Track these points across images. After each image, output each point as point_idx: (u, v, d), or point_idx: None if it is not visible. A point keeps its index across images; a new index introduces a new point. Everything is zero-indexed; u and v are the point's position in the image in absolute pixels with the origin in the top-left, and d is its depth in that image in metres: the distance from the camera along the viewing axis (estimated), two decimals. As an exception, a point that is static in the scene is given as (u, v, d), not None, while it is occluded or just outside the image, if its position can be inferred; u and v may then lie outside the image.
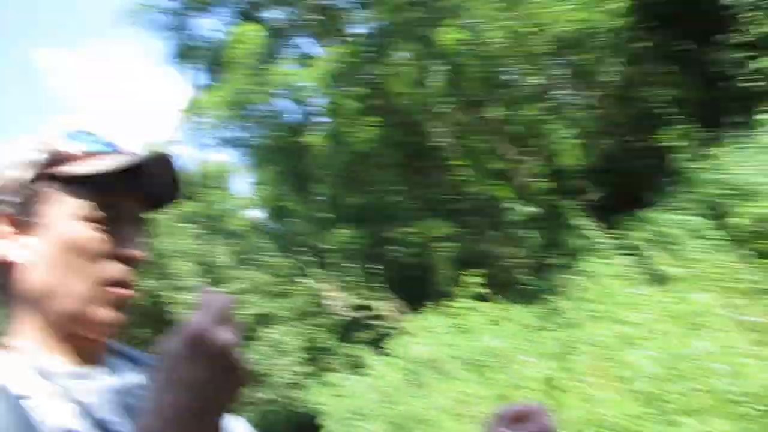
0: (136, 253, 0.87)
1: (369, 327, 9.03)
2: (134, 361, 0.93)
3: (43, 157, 0.86)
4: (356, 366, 8.18)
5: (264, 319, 10.26)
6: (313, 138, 11.49)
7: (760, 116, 7.48)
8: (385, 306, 7.78)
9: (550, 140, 12.42)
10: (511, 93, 11.60)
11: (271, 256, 9.34)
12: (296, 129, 11.97)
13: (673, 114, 9.75)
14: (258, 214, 16.58)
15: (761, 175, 6.28)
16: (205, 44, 12.26)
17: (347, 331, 9.84)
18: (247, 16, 10.62)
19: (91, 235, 0.84)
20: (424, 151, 12.18)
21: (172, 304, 11.02)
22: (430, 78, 8.91)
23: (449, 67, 8.69)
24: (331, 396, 7.46)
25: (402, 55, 10.41)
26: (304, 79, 8.69)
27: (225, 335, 0.62)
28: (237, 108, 9.12)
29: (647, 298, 4.13)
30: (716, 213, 6.46)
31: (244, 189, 17.75)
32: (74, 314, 0.83)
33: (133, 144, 0.95)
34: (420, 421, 5.20)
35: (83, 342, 0.85)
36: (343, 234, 14.08)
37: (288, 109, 11.65)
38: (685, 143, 7.95)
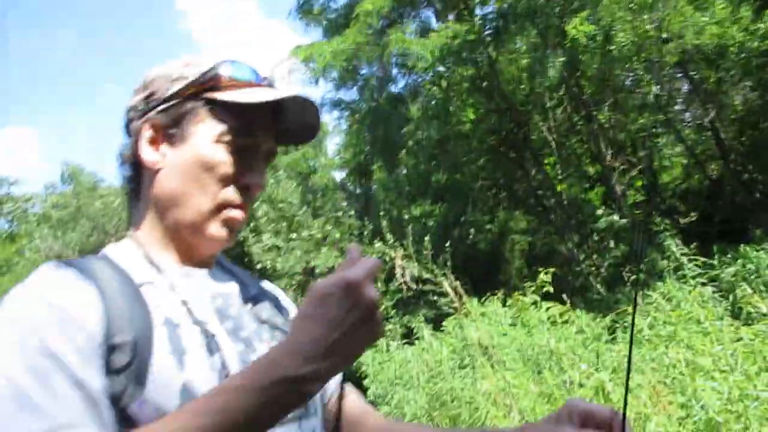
0: (258, 183, 0.94)
1: (431, 303, 9.06)
2: (233, 275, 1.00)
3: (197, 77, 0.92)
4: (410, 337, 8.27)
5: (330, 273, 10.47)
6: (414, 109, 11.48)
7: None
8: (450, 285, 7.78)
9: (656, 154, 11.89)
10: (626, 99, 11.13)
11: (348, 215, 9.52)
12: (399, 98, 12.01)
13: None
14: (342, 174, 16.90)
15: None
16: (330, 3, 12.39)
17: (409, 302, 9.93)
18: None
19: (223, 158, 0.90)
20: (521, 142, 11.97)
21: (246, 243, 11.43)
22: (546, 69, 8.66)
23: (568, 60, 8.40)
24: (379, 361, 7.60)
25: (520, 42, 10.17)
26: (419, 48, 8.65)
27: (373, 291, 0.68)
28: (349, 64, 9.22)
29: (726, 332, 3.93)
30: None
31: (335, 149, 18.08)
32: (190, 225, 0.91)
33: (280, 81, 1.00)
34: (462, 401, 5.22)
35: (193, 249, 0.93)
36: (422, 208, 14.16)
37: (396, 76, 11.69)
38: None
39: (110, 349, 0.74)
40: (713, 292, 5.22)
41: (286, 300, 1.10)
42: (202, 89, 0.91)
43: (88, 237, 10.00)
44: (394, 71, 11.02)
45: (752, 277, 5.83)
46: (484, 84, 11.28)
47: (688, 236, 7.85)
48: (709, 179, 11.39)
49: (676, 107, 11.77)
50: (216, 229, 0.91)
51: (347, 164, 16.05)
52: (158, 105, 0.91)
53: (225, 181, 0.91)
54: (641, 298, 5.95)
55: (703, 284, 5.59)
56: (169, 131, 0.91)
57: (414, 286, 8.84)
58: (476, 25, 9.93)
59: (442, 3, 12.39)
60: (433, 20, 12.55)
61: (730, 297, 5.38)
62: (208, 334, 0.83)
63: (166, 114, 0.91)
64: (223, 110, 0.90)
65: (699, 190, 11.99)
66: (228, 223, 0.92)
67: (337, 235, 9.24)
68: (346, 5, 12.24)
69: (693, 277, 5.95)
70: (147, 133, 0.92)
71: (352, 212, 9.53)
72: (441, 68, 9.78)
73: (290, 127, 0.99)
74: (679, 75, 10.75)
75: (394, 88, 12.24)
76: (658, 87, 10.04)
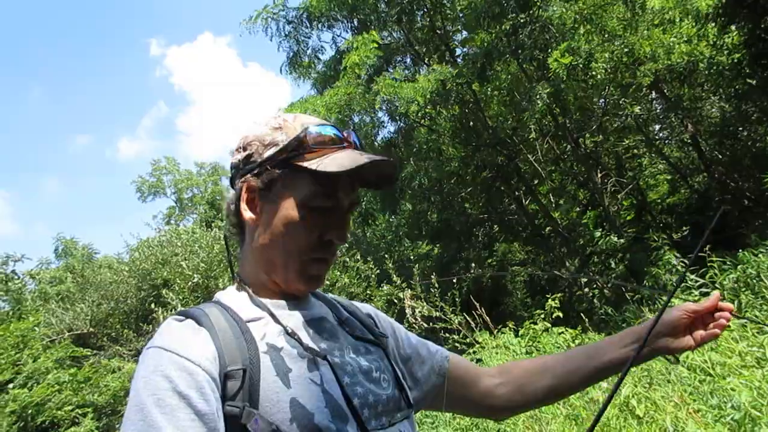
0: (340, 236, 1.05)
1: (443, 341, 9.14)
2: (326, 301, 1.16)
3: (286, 143, 1.03)
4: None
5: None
6: (407, 152, 11.75)
7: None
8: (460, 321, 7.91)
9: (642, 173, 12.23)
10: (608, 123, 11.52)
11: (354, 260, 9.65)
12: (391, 142, 12.28)
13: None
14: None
15: None
16: (317, 56, 12.78)
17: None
18: (362, 32, 11.09)
19: (307, 219, 1.02)
20: (513, 175, 12.27)
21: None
22: (529, 101, 9.00)
23: (551, 90, 8.74)
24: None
25: (502, 77, 10.53)
26: (407, 93, 8.97)
27: None
28: (342, 115, 9.51)
29: (743, 331, 4.10)
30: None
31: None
32: (282, 279, 1.05)
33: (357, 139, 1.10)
34: (493, 430, 5.29)
35: (287, 291, 1.08)
36: (424, 248, 14.31)
37: (386, 122, 11.99)
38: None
39: (226, 376, 0.88)
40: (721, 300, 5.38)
41: (380, 316, 1.24)
42: (291, 155, 1.03)
43: (98, 306, 10.07)
44: (385, 117, 11.35)
45: (754, 281, 6.00)
46: (470, 123, 11.62)
47: (683, 249, 8.05)
48: (696, 192, 11.69)
49: (659, 126, 12.17)
50: (298, 281, 1.05)
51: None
52: (254, 169, 1.05)
53: (309, 239, 1.02)
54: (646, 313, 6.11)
55: (706, 294, 5.75)
56: (263, 192, 1.05)
57: (425, 325, 8.93)
58: (461, 65, 10.30)
59: (423, 47, 12.85)
60: (420, 65, 12.98)
61: (735, 302, 5.54)
62: (308, 353, 0.97)
63: (261, 177, 1.04)
64: (309, 176, 1.01)
65: (687, 203, 12.29)
66: (310, 277, 1.05)
67: (346, 280, 9.34)
68: (333, 58, 12.66)
69: (697, 288, 6.14)
70: (245, 194, 1.05)
71: (358, 256, 9.65)
72: (428, 109, 10.10)
73: (369, 179, 1.11)
74: (658, 95, 11.18)
75: (386, 133, 12.56)
76: (640, 109, 10.41)
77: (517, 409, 1.25)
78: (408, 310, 8.81)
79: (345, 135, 1.07)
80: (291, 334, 0.99)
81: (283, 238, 1.03)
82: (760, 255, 6.78)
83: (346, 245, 13.76)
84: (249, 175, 1.05)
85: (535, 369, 1.22)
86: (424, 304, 8.65)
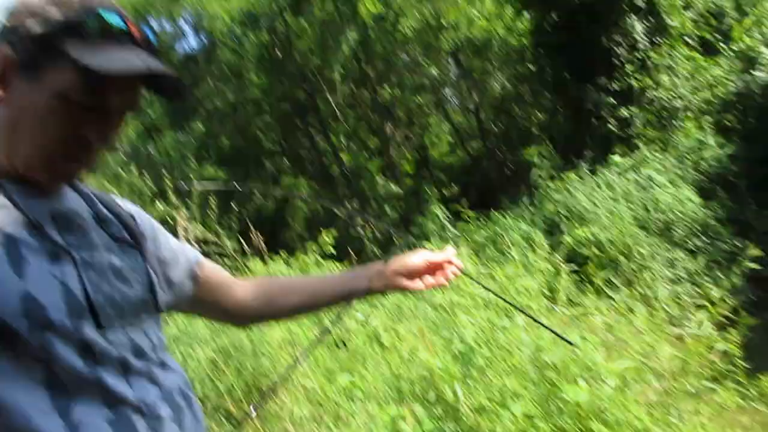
0: (98, 139, 0.93)
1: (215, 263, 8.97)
2: (82, 194, 1.04)
3: (59, 21, 0.89)
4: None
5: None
6: (207, 70, 11.14)
7: (612, 157, 8.59)
8: (234, 246, 7.82)
9: (428, 131, 13.09)
10: (406, 79, 12.03)
11: (130, 173, 8.98)
12: (191, 58, 11.50)
13: (541, 135, 10.70)
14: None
15: (592, 206, 7.31)
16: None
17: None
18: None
19: (61, 114, 0.89)
20: (309, 112, 12.29)
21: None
22: (337, 43, 9.02)
23: (359, 39, 8.86)
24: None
25: (317, 13, 10.39)
26: (214, 8, 8.37)
27: None
28: (140, 17, 8.55)
29: (478, 280, 4.64)
30: (551, 228, 7.38)
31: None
32: (24, 162, 0.91)
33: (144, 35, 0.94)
34: (246, 351, 5.37)
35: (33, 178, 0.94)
36: (210, 171, 13.80)
37: (188, 34, 11.16)
38: (544, 163, 8.82)
39: None
40: (470, 253, 6.06)
41: (142, 216, 1.15)
42: (60, 36, 0.89)
43: None
44: (189, 30, 10.55)
45: (499, 238, 6.86)
46: (278, 53, 11.33)
47: (450, 205, 8.86)
48: (470, 156, 12.87)
49: (451, 90, 13.05)
50: (44, 177, 0.93)
51: (133, 121, 14.94)
52: (14, 41, 0.89)
53: (61, 133, 0.91)
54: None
55: (463, 246, 6.44)
56: (21, 70, 0.90)
57: (198, 248, 8.67)
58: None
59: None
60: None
61: (480, 255, 6.29)
62: (51, 246, 0.89)
63: (20, 52, 0.89)
64: (77, 63, 0.87)
65: (462, 165, 13.49)
66: (57, 174, 0.94)
67: (116, 192, 8.68)
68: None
69: (454, 240, 6.84)
70: None
71: (135, 170, 8.99)
72: (235, 31, 9.61)
73: (154, 84, 0.97)
74: (455, 62, 11.92)
75: (188, 47, 11.71)
76: (437, 71, 11.01)
77: (262, 320, 1.34)
78: (181, 230, 8.49)
79: (134, 29, 0.93)
80: (34, 225, 0.89)
81: (32, 127, 0.90)
82: (507, 218, 7.80)
83: (123, 157, 12.73)
84: (6, 46, 0.90)
85: (287, 286, 1.31)
86: (199, 225, 8.42)
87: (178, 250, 1.18)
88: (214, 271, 1.23)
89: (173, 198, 8.65)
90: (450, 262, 1.29)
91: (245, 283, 1.28)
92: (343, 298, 1.28)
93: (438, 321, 4.51)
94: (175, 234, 7.88)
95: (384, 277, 1.26)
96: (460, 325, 3.82)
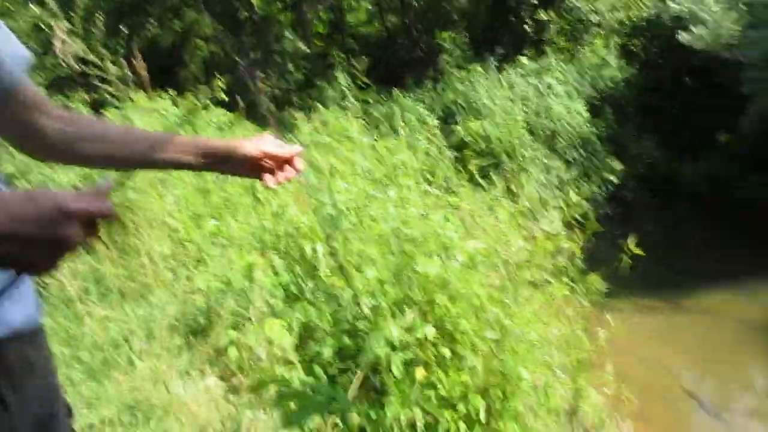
0: None
1: (93, 87, 8.34)
2: None
3: None
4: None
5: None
6: None
7: (521, 59, 8.67)
8: (118, 73, 7.25)
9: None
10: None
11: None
12: None
13: (460, 21, 10.53)
14: None
15: (491, 102, 7.45)
16: None
17: (65, 83, 8.99)
18: None
19: None
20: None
21: None
22: None
23: None
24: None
25: None
26: None
27: (71, 232, 0.64)
28: None
29: (367, 146, 4.69)
30: (446, 116, 7.50)
31: None
32: None
33: None
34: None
35: None
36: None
37: None
38: (455, 51, 8.76)
39: None
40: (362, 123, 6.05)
41: None
42: None
43: None
44: None
45: (396, 116, 6.86)
46: None
47: (356, 76, 8.69)
48: (387, 30, 12.49)
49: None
50: None
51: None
52: None
53: None
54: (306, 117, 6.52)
55: (358, 118, 6.40)
56: None
57: (76, 67, 7.98)
58: None
59: None
60: None
61: (372, 129, 6.31)
62: None
63: None
64: None
65: (376, 37, 13.10)
66: None
67: None
68: None
69: (352, 108, 6.76)
70: None
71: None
72: None
73: None
74: None
75: None
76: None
77: (61, 160, 1.18)
78: (57, 43, 7.71)
79: None
80: None
81: None
82: (408, 98, 7.79)
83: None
84: None
85: (100, 133, 1.11)
86: (81, 42, 7.69)
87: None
88: (33, 88, 1.04)
89: (52, 3, 7.76)
90: (291, 162, 1.16)
91: (62, 114, 1.09)
92: (156, 165, 1.14)
93: (316, 184, 4.55)
94: (50, 44, 7.16)
95: (214, 156, 1.11)
96: (335, 190, 3.87)
